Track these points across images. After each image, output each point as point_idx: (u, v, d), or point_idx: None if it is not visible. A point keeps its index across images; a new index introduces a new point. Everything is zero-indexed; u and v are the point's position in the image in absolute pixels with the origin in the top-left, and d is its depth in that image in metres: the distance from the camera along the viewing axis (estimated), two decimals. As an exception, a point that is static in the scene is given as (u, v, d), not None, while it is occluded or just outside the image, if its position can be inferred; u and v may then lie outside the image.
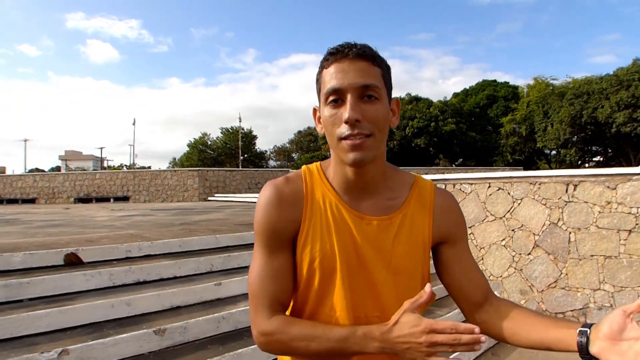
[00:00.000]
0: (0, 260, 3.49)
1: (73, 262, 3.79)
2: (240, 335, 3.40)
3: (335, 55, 0.96)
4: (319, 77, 1.01)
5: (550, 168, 33.46)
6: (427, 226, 1.06)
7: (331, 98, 0.95)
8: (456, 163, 42.33)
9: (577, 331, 0.86)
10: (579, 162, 32.11)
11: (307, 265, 1.01)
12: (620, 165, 26.83)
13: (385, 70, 1.00)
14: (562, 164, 31.80)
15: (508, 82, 42.96)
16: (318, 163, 1.11)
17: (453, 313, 4.70)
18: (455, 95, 45.51)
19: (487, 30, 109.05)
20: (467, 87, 45.36)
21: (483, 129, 40.25)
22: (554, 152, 34.32)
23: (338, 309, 1.01)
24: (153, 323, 3.25)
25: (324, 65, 0.99)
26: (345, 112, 0.92)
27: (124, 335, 3.00)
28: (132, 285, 3.73)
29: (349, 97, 0.93)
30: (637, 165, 23.57)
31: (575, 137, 28.62)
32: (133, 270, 3.78)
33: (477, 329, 0.81)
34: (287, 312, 1.06)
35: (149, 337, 3.08)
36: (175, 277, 3.98)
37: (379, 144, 0.97)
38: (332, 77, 0.95)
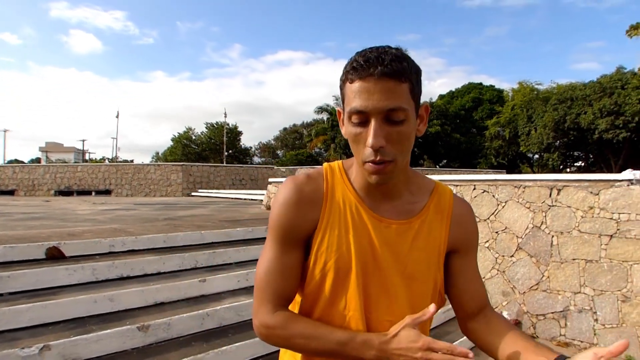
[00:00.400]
0: (-20, 252, 3.42)
1: (55, 256, 3.73)
2: (224, 333, 3.39)
3: (360, 72, 0.90)
4: (342, 86, 0.96)
5: (533, 172, 33.95)
6: (444, 234, 1.07)
7: (354, 118, 0.92)
8: (440, 164, 42.65)
9: None
10: (561, 166, 32.58)
11: (322, 264, 1.01)
12: (601, 170, 27.33)
13: (414, 82, 0.94)
14: (544, 168, 32.28)
15: (493, 86, 43.43)
16: (340, 162, 1.10)
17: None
18: (441, 97, 45.82)
19: (475, 33, 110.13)
20: (453, 90, 45.70)
21: (468, 131, 40.63)
22: (536, 156, 34.80)
23: (351, 309, 1.00)
24: (137, 319, 3.23)
25: (347, 77, 0.94)
26: (369, 137, 0.89)
27: (108, 331, 2.98)
28: (116, 280, 3.69)
29: (372, 121, 0.89)
30: (618, 172, 24.03)
31: (558, 141, 29.00)
32: (116, 265, 3.74)
33: (470, 354, 0.83)
34: (297, 308, 1.07)
35: (132, 334, 3.06)
36: (160, 273, 3.95)
37: (401, 164, 0.95)
38: (356, 97, 0.90)
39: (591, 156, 31.24)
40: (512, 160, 36.62)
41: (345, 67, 0.95)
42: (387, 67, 0.88)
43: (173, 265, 4.08)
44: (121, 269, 3.75)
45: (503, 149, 35.13)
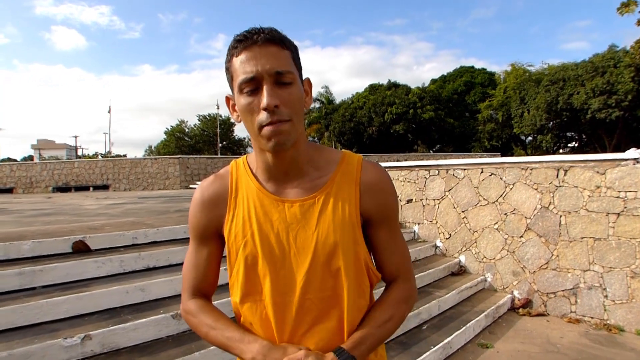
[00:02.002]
0: (10, 248, 3.48)
1: (81, 249, 3.80)
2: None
3: (244, 42, 0.95)
4: (229, 65, 0.99)
5: (526, 154, 34.08)
6: (354, 203, 1.05)
7: (246, 87, 0.94)
8: (434, 149, 42.80)
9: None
10: (555, 148, 32.64)
11: (235, 254, 1.06)
12: (595, 150, 27.42)
13: (294, 52, 1.00)
14: (537, 150, 32.37)
15: (485, 69, 43.38)
16: (246, 156, 1.14)
17: (451, 294, 4.86)
18: (434, 81, 45.79)
19: (461, 16, 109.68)
20: (445, 74, 45.64)
21: (461, 115, 40.68)
22: (530, 138, 34.89)
23: (265, 294, 1.03)
24: (169, 307, 3.31)
25: (232, 53, 0.97)
26: (263, 98, 0.92)
27: (143, 320, 3.05)
28: (143, 271, 3.76)
29: (264, 84, 0.93)
30: (612, 151, 24.20)
31: (551, 123, 28.95)
32: (142, 257, 3.81)
33: None
34: (232, 301, 1.11)
35: (167, 322, 3.14)
36: (184, 263, 4.02)
37: (297, 127, 0.97)
38: (244, 65, 0.94)
39: (584, 137, 31.33)
40: (506, 143, 36.71)
41: (229, 48, 0.99)
42: (268, 34, 0.95)
43: (196, 255, 4.15)
44: (147, 260, 3.83)
45: (496, 132, 35.18)
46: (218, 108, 47.20)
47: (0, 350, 2.50)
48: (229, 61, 0.99)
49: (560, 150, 34.01)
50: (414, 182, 6.68)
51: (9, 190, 21.06)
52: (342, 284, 1.02)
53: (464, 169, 6.05)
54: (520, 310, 5.16)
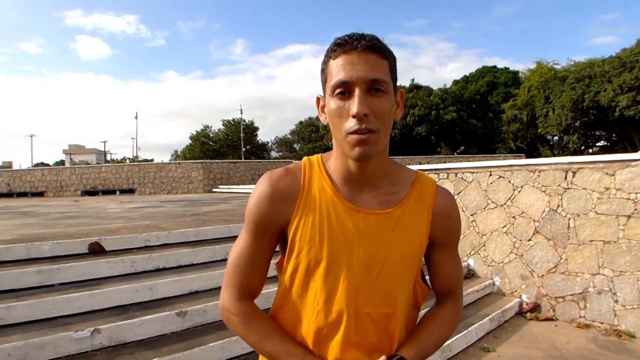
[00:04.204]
0: (32, 248, 3.73)
1: (97, 250, 4.01)
2: (256, 317, 3.62)
3: (344, 46, 0.94)
4: (325, 67, 0.98)
5: (553, 155, 33.36)
6: (425, 226, 1.06)
7: (338, 90, 0.93)
8: (458, 151, 42.37)
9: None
10: (582, 147, 31.69)
11: (296, 254, 1.03)
12: (625, 150, 26.56)
13: (392, 62, 0.99)
14: (564, 151, 31.62)
15: (508, 68, 42.72)
16: (320, 155, 1.11)
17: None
18: (456, 82, 45.42)
19: (483, 14, 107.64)
20: (467, 74, 45.24)
21: (484, 116, 40.21)
22: (556, 138, 34.13)
23: (320, 301, 1.01)
24: (174, 306, 3.48)
25: (330, 55, 0.96)
26: (354, 105, 0.91)
27: (149, 316, 3.23)
28: (153, 271, 3.96)
29: (357, 90, 0.92)
30: (641, 150, 23.44)
31: (578, 122, 28.06)
32: (153, 258, 4.00)
33: None
34: (277, 296, 1.11)
35: (171, 319, 3.31)
36: (193, 264, 4.21)
37: (383, 137, 0.97)
38: (340, 70, 0.93)
39: (614, 135, 30.25)
40: (532, 144, 35.99)
41: (327, 50, 0.99)
42: (369, 42, 0.94)
43: (205, 257, 4.34)
44: (157, 261, 4.02)
45: (521, 132, 34.51)
46: (241, 113, 47.99)
47: (17, 340, 2.74)
48: (325, 63, 0.98)
49: (590, 150, 33.12)
50: (425, 185, 6.72)
51: (41, 194, 21.85)
52: (397, 303, 1.04)
53: (473, 172, 6.08)
54: (528, 314, 5.16)
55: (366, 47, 0.93)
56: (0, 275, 3.30)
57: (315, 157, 1.10)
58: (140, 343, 3.09)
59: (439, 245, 1.10)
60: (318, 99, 1.06)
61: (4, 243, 3.82)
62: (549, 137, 35.19)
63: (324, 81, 0.99)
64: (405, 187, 1.07)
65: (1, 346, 2.66)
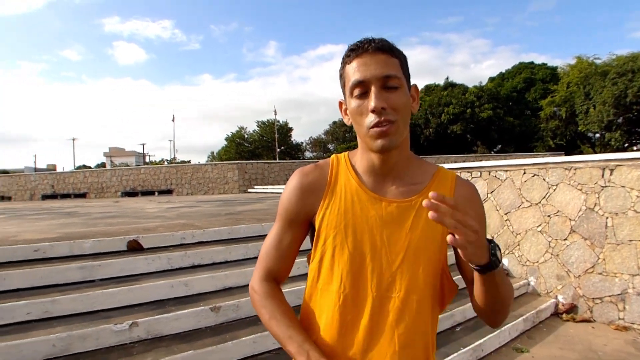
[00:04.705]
0: (75, 246, 3.93)
1: (135, 248, 4.18)
2: (287, 314, 3.70)
3: (356, 50, 1.03)
4: (342, 72, 1.08)
5: (595, 152, 32.22)
6: None
7: (356, 90, 1.03)
8: (495, 150, 41.51)
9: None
10: (625, 145, 30.48)
11: (323, 242, 1.10)
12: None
13: (402, 60, 1.07)
14: (606, 148, 30.44)
15: (546, 64, 41.48)
16: (347, 152, 1.20)
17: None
18: (492, 79, 44.50)
19: (519, 9, 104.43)
20: (503, 71, 44.23)
21: (521, 113, 39.21)
22: (597, 135, 32.94)
23: (352, 287, 1.06)
24: (209, 302, 3.60)
25: (346, 61, 1.06)
26: (371, 101, 1.00)
27: (184, 311, 3.36)
28: (188, 268, 4.10)
29: (372, 88, 1.01)
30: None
31: (620, 118, 27.07)
32: (189, 255, 4.14)
33: None
34: (307, 285, 1.16)
35: (206, 314, 3.43)
36: (227, 262, 4.33)
37: (403, 129, 1.04)
38: (356, 71, 1.02)
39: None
40: (571, 141, 34.80)
41: (343, 57, 1.09)
42: (378, 43, 1.03)
43: (238, 254, 4.45)
44: (193, 258, 4.16)
45: (560, 129, 33.46)
46: (275, 114, 48.40)
47: (61, 331, 2.92)
48: (342, 68, 1.08)
49: (634, 148, 31.79)
50: (457, 184, 6.66)
51: (83, 195, 22.70)
52: (422, 289, 1.06)
53: (507, 170, 6.00)
54: (564, 315, 5.05)
55: (376, 48, 1.02)
56: (45, 271, 3.51)
57: (343, 154, 1.19)
58: (175, 336, 3.22)
59: None
60: (340, 103, 1.15)
61: (49, 241, 4.04)
62: (590, 135, 33.97)
63: (343, 85, 1.09)
64: (427, 178, 1.13)
65: (46, 337, 2.84)
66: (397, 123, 1.02)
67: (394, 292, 1.05)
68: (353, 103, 1.04)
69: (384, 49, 1.03)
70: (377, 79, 1.01)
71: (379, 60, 1.02)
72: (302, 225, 1.15)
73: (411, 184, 1.11)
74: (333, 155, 1.19)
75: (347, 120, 1.11)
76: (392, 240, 1.06)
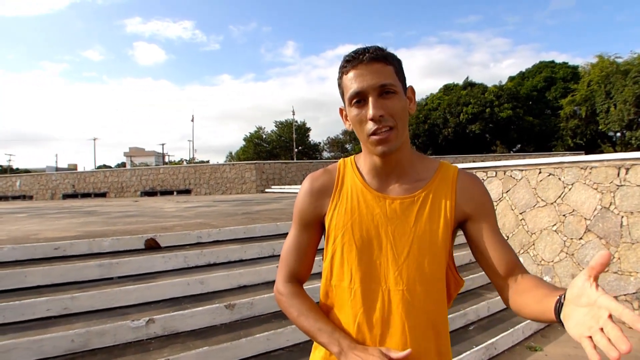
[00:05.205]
0: (94, 244, 4.04)
1: (152, 246, 4.29)
2: (300, 311, 3.77)
3: (352, 62, 1.08)
4: (340, 82, 1.13)
5: (615, 151, 31.57)
6: (450, 204, 1.13)
7: (355, 100, 1.08)
8: (514, 149, 41.01)
9: (556, 299, 0.84)
10: (647, 144, 30.02)
11: (332, 241, 1.16)
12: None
13: (397, 66, 1.11)
14: (627, 147, 29.90)
15: (567, 63, 40.76)
16: (353, 156, 1.25)
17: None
18: (511, 78, 43.91)
19: (539, 8, 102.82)
20: (523, 70, 43.53)
21: (541, 113, 38.63)
22: (618, 134, 32.35)
23: (361, 283, 1.12)
24: (224, 299, 3.68)
25: (343, 71, 1.11)
26: (369, 110, 1.05)
27: (200, 308, 3.45)
28: (204, 266, 4.18)
29: (370, 97, 1.05)
30: None
31: (641, 117, 26.85)
32: (204, 254, 4.23)
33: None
34: (322, 284, 1.21)
35: (220, 311, 3.51)
36: (242, 260, 4.41)
37: (401, 133, 1.09)
38: (353, 82, 1.07)
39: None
40: (591, 140, 34.18)
41: (339, 67, 1.13)
42: (372, 53, 1.07)
43: (253, 253, 4.53)
44: (208, 256, 4.25)
45: (580, 128, 32.95)
46: (294, 114, 48.51)
47: (80, 327, 3.01)
48: (340, 78, 1.13)
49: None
50: (472, 184, 6.65)
51: (103, 195, 23.13)
52: (428, 279, 1.11)
53: (522, 170, 5.97)
54: (580, 314, 5.02)
55: (371, 58, 1.07)
56: (65, 268, 3.62)
57: (349, 158, 1.25)
58: (191, 333, 3.30)
59: (473, 218, 1.14)
60: (341, 110, 1.21)
61: (68, 239, 4.16)
62: (611, 134, 33.35)
63: (342, 93, 1.15)
64: (430, 174, 1.17)
65: (65, 333, 2.94)
66: (396, 128, 1.07)
67: (402, 285, 1.10)
68: (352, 112, 1.09)
69: (378, 58, 1.07)
70: (373, 89, 1.05)
71: (374, 69, 1.06)
72: (316, 226, 1.22)
73: (414, 180, 1.16)
74: (340, 160, 1.26)
75: (348, 126, 1.17)
76: (397, 235, 1.11)
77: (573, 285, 0.76)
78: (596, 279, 0.72)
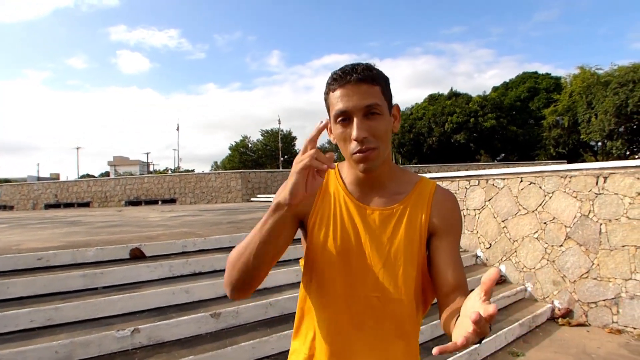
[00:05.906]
0: (77, 254, 4.03)
1: (137, 256, 4.28)
2: (285, 320, 3.78)
3: (339, 81, 1.09)
4: (327, 97, 1.14)
5: (596, 161, 32.20)
6: (425, 218, 1.17)
7: (340, 118, 1.09)
8: (498, 158, 41.54)
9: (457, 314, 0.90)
10: (627, 153, 30.65)
11: (314, 247, 1.18)
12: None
13: (384, 85, 1.13)
14: (608, 157, 30.56)
15: (549, 74, 41.67)
16: (337, 164, 1.26)
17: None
18: (495, 89, 44.64)
19: (523, 19, 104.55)
20: (507, 81, 44.41)
21: (524, 122, 39.32)
22: (599, 143, 33.03)
23: (338, 287, 1.15)
24: (209, 308, 3.68)
25: (330, 88, 1.12)
26: (354, 131, 1.07)
27: (185, 317, 3.45)
28: (189, 275, 4.19)
29: (355, 118, 1.07)
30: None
31: (622, 127, 27.37)
32: (190, 263, 4.24)
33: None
34: (301, 288, 1.23)
35: (206, 320, 3.52)
36: (226, 269, 4.41)
37: (383, 152, 1.12)
38: (339, 101, 1.08)
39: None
40: (574, 150, 34.87)
41: (327, 82, 1.14)
42: (360, 74, 1.08)
43: (238, 262, 4.53)
44: (194, 266, 4.25)
45: (562, 138, 33.61)
46: (279, 123, 48.41)
47: (64, 338, 2.99)
48: (326, 94, 1.14)
49: (635, 156, 31.82)
50: (455, 193, 6.75)
51: (86, 204, 22.82)
52: (405, 290, 1.13)
53: (504, 179, 6.09)
54: (560, 320, 5.12)
55: (358, 79, 1.08)
56: (48, 279, 3.60)
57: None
58: (176, 342, 3.30)
59: (438, 234, 1.17)
60: (327, 122, 1.23)
61: (52, 249, 4.13)
62: (592, 143, 34.05)
63: (328, 109, 1.16)
64: (408, 188, 1.21)
65: (49, 344, 2.92)
66: (378, 149, 1.09)
67: (378, 292, 1.13)
68: (337, 129, 1.11)
69: (366, 79, 1.08)
70: (358, 110, 1.07)
71: (360, 90, 1.07)
72: (292, 221, 1.17)
73: (394, 193, 1.19)
74: None
75: (333, 139, 1.17)
76: (375, 244, 1.15)
77: (468, 299, 0.81)
78: (487, 293, 0.74)
